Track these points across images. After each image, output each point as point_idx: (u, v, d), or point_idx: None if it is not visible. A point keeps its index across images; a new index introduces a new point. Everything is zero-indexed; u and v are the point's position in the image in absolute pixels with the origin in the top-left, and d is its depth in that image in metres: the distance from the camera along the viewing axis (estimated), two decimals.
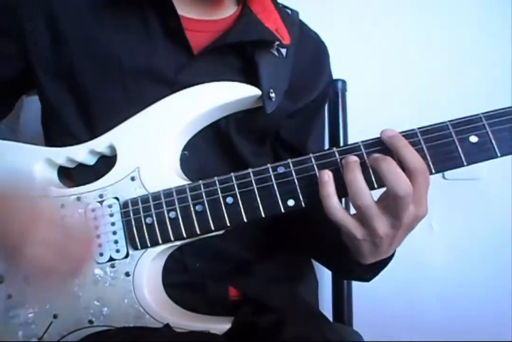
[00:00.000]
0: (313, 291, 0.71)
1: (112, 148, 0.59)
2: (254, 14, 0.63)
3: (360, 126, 0.88)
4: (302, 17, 0.72)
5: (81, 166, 0.62)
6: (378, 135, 0.48)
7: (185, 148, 0.61)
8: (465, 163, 0.46)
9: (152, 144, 0.58)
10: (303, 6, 0.75)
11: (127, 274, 0.55)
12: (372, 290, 0.93)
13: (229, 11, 0.66)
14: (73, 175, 0.62)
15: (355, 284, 0.88)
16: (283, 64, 0.63)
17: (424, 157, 0.45)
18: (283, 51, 0.63)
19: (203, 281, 0.61)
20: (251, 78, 0.59)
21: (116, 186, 0.57)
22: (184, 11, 0.61)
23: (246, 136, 0.65)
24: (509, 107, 0.45)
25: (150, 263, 0.55)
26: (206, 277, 0.61)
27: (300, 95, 0.68)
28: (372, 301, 0.95)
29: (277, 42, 0.61)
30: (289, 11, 0.69)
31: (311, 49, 0.71)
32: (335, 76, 0.80)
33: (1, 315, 0.58)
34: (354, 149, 0.48)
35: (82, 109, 0.62)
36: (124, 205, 0.56)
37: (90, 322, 0.55)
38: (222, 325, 0.54)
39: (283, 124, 0.70)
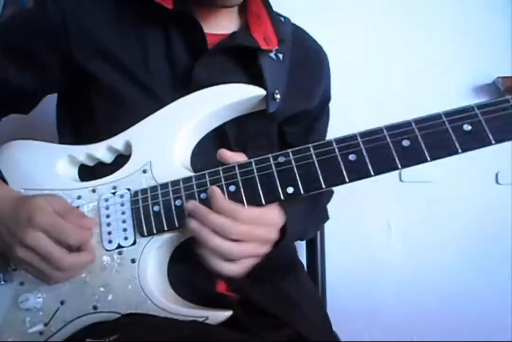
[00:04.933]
0: (305, 289, 0.72)
1: (128, 145, 0.63)
2: (249, 26, 0.69)
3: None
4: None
5: (99, 165, 0.66)
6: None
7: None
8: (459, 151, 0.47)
9: (164, 141, 0.61)
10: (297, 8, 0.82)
11: (133, 261, 0.57)
12: (332, 288, 0.95)
13: (237, 23, 0.73)
14: (92, 174, 0.66)
15: None
16: (281, 67, 0.69)
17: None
18: (280, 56, 0.68)
19: (193, 274, 0.62)
20: (257, 80, 0.64)
21: (129, 178, 0.61)
22: (205, 27, 0.65)
23: (248, 138, 0.69)
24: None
25: (156, 250, 0.57)
26: (196, 270, 0.62)
27: (296, 100, 0.72)
28: (332, 299, 0.96)
29: (275, 47, 0.67)
30: (282, 19, 0.74)
31: (304, 55, 0.75)
32: None
33: (11, 301, 0.61)
34: (350, 138, 0.50)
35: (111, 110, 0.66)
36: (134, 194, 0.59)
37: (95, 307, 0.57)
38: (222, 314, 0.54)
39: (287, 130, 0.74)
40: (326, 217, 0.82)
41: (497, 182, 1.06)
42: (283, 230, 0.57)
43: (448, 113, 0.48)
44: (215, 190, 0.53)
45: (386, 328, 1.08)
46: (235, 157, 0.55)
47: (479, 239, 1.06)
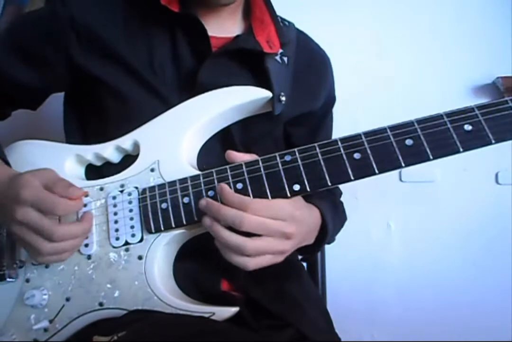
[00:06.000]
0: (307, 289, 0.73)
1: (136, 145, 0.64)
2: (252, 30, 0.70)
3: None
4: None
5: (106, 165, 0.67)
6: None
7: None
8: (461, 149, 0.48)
9: (172, 141, 0.62)
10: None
11: (140, 257, 0.58)
12: (332, 288, 0.97)
13: (241, 27, 0.74)
14: (99, 174, 0.67)
15: None
16: (286, 71, 0.70)
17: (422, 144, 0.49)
18: (285, 59, 0.70)
19: (197, 272, 0.63)
20: (262, 83, 0.65)
21: (136, 176, 0.62)
22: (210, 30, 0.67)
23: (253, 140, 0.70)
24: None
25: (163, 247, 0.58)
26: (200, 269, 0.63)
27: (301, 101, 0.73)
28: (332, 299, 0.97)
29: (280, 51, 0.69)
30: (286, 23, 0.76)
31: (308, 58, 0.77)
32: None
33: (16, 298, 0.61)
34: (355, 138, 0.51)
35: (118, 111, 0.67)
36: (142, 192, 0.60)
37: (101, 304, 0.58)
38: (228, 309, 0.55)
39: (293, 131, 0.75)
40: (346, 218, 0.82)
41: (497, 182, 1.07)
42: (321, 229, 0.59)
43: (449, 114, 0.49)
44: (223, 185, 0.54)
45: (386, 328, 1.09)
46: (244, 157, 0.56)
47: (479, 239, 1.07)
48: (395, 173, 1.09)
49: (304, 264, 0.91)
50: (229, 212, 0.52)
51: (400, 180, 1.10)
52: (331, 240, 0.76)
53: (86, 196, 0.62)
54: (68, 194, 0.57)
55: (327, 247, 0.96)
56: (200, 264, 0.64)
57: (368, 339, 1.09)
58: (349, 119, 0.99)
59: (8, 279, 0.63)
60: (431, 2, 1.10)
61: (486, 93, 1.08)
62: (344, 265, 1.09)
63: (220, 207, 0.53)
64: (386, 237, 1.11)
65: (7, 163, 0.65)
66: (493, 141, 0.47)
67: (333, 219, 0.65)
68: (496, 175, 1.07)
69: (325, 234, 0.62)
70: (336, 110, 0.85)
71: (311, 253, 0.64)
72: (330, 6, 1.11)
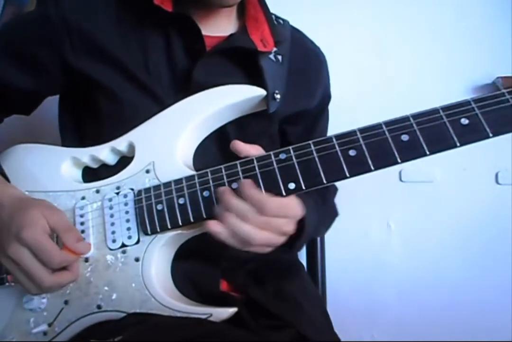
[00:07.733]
0: (307, 289, 0.72)
1: (132, 146, 0.64)
2: (246, 29, 0.70)
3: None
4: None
5: (103, 167, 0.67)
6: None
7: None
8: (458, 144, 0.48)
9: (167, 142, 0.62)
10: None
11: (137, 259, 0.58)
12: (332, 288, 0.97)
13: (235, 26, 0.74)
14: (96, 176, 0.66)
15: None
16: (281, 69, 0.70)
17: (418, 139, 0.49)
18: (279, 57, 0.70)
19: (195, 273, 0.63)
20: (257, 81, 0.65)
21: (132, 178, 0.62)
22: (204, 29, 0.67)
23: (249, 139, 0.69)
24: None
25: (159, 249, 0.58)
26: (199, 270, 0.63)
27: (297, 100, 0.73)
28: (332, 299, 0.97)
29: (274, 49, 0.68)
30: (281, 21, 0.76)
31: (303, 56, 0.76)
32: None
33: (16, 301, 0.61)
34: (350, 134, 0.51)
35: (113, 112, 0.67)
36: (138, 194, 0.59)
37: (99, 307, 0.57)
38: (226, 310, 0.54)
39: (288, 129, 0.75)
40: (336, 213, 0.81)
41: (497, 182, 1.06)
42: (299, 226, 0.57)
43: (445, 108, 0.49)
44: (246, 180, 0.53)
45: (386, 328, 1.09)
46: (251, 150, 0.56)
47: (479, 239, 1.06)
48: (395, 172, 1.09)
49: (304, 264, 0.91)
50: (243, 205, 0.51)
51: (400, 179, 1.09)
52: (315, 235, 0.75)
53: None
54: (76, 249, 0.57)
55: (327, 247, 0.97)
56: (199, 265, 0.63)
57: (368, 339, 1.08)
58: (348, 119, 0.98)
59: (7, 283, 0.62)
60: (431, 2, 1.10)
61: (486, 93, 1.07)
62: (344, 265, 1.09)
63: (234, 197, 0.52)
64: (386, 237, 1.10)
65: (5, 177, 0.65)
66: (490, 135, 0.47)
67: (318, 215, 0.64)
68: (496, 175, 1.06)
69: (300, 232, 0.60)
70: (336, 110, 0.85)
71: (289, 248, 0.62)
72: (329, 6, 1.11)
